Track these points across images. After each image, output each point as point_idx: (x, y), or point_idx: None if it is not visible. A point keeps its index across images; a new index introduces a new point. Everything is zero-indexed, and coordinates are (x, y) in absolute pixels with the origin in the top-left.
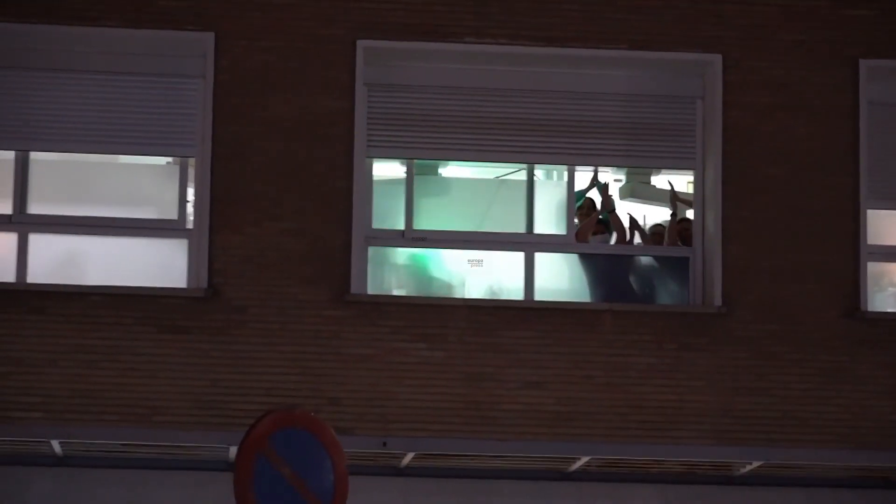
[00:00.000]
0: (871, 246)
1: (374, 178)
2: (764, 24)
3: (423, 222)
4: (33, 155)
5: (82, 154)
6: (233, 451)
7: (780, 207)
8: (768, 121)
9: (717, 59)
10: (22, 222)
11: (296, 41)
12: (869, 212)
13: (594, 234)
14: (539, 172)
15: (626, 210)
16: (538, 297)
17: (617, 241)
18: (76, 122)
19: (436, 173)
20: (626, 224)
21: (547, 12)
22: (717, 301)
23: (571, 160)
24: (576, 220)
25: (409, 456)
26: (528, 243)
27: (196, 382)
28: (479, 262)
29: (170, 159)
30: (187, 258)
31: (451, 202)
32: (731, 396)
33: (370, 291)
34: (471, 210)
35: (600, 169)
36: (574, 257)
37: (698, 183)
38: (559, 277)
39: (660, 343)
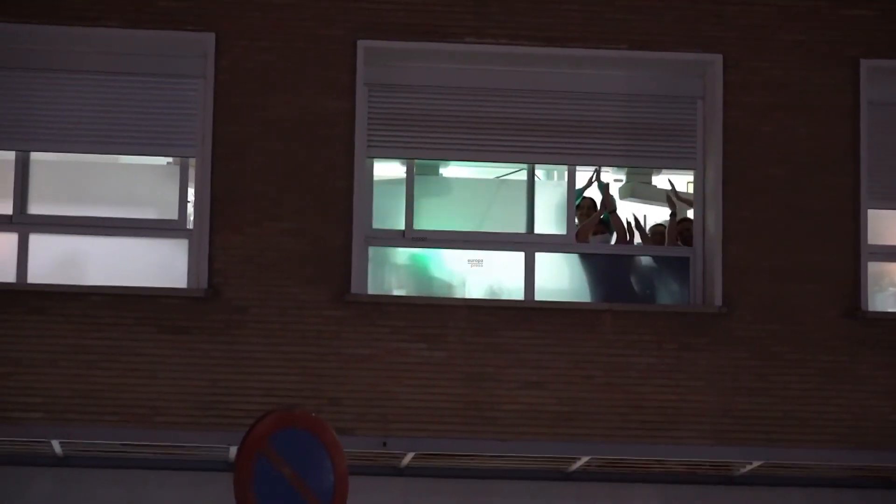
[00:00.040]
0: (872, 246)
1: (375, 178)
2: (764, 24)
3: (424, 222)
4: (34, 155)
5: (83, 154)
6: (233, 451)
7: (781, 207)
8: (769, 121)
9: (718, 59)
10: (22, 222)
11: (296, 41)
12: (869, 212)
13: (595, 234)
14: (539, 172)
15: (629, 211)
16: (538, 297)
17: (617, 241)
18: (77, 123)
19: (436, 173)
20: (628, 225)
21: (547, 12)
22: (718, 301)
23: (572, 160)
24: (576, 220)
25: (410, 456)
26: (529, 243)
27: (196, 382)
28: (479, 262)
29: (170, 159)
30: (187, 258)
31: (451, 202)
32: (732, 396)
33: (370, 291)
34: (471, 210)
35: (601, 169)
36: (574, 257)
37: (699, 183)
38: (559, 277)
39: (660, 343)
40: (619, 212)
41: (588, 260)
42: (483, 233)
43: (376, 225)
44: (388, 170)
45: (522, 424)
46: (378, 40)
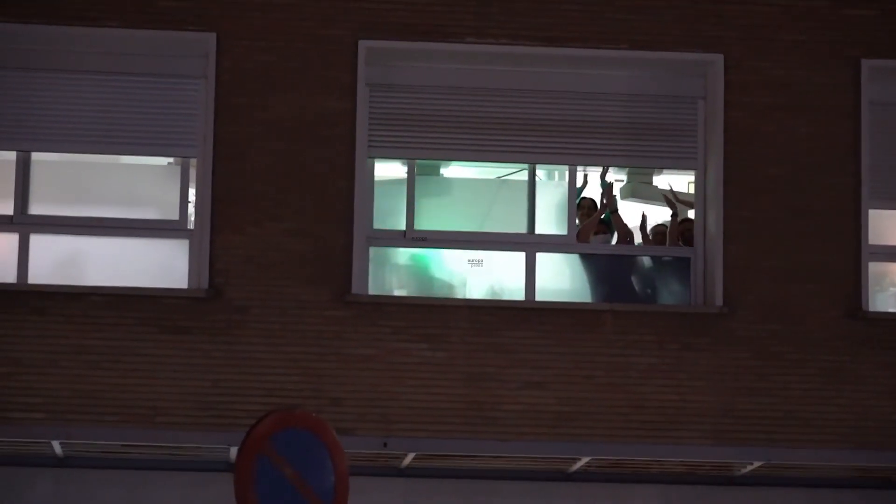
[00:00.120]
0: (873, 246)
1: (376, 178)
2: (765, 24)
3: (425, 222)
4: (35, 155)
5: (84, 155)
6: (234, 451)
7: (782, 207)
8: (770, 121)
9: (719, 59)
10: (23, 223)
11: (297, 41)
12: (870, 212)
13: (596, 234)
14: (540, 172)
15: (637, 212)
16: (539, 297)
17: (618, 242)
18: (77, 123)
19: (437, 173)
20: (631, 226)
21: (548, 12)
22: (719, 301)
23: (573, 160)
24: (576, 221)
25: (410, 456)
26: (530, 243)
27: (197, 383)
28: (479, 262)
29: (171, 160)
30: (188, 258)
31: (452, 202)
32: (733, 396)
33: (371, 292)
34: (472, 210)
35: (601, 169)
36: (575, 257)
37: (700, 183)
38: (560, 277)
39: (661, 343)
40: (620, 212)
41: (589, 260)
42: (484, 233)
43: (377, 225)
44: (389, 170)
45: (523, 425)
46: (379, 40)
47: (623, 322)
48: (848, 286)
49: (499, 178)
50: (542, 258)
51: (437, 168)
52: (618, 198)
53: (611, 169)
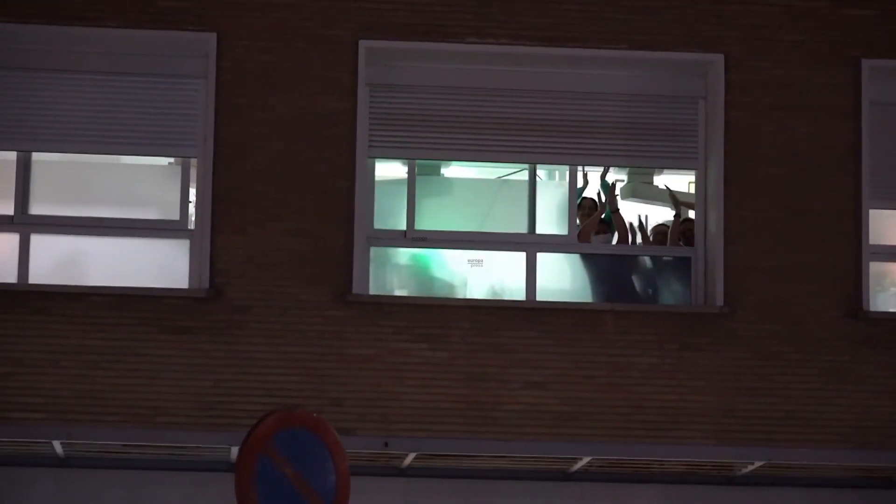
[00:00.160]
0: (873, 246)
1: (376, 178)
2: (766, 24)
3: (425, 222)
4: (35, 156)
5: (84, 155)
6: (234, 451)
7: (782, 207)
8: (770, 121)
9: (719, 59)
10: (24, 223)
11: (297, 41)
12: (871, 212)
13: (596, 233)
14: (541, 172)
15: (633, 213)
16: (540, 297)
17: (619, 241)
18: (78, 123)
19: (438, 173)
20: (636, 225)
21: (548, 12)
22: (719, 301)
23: (573, 160)
24: (577, 221)
25: (411, 456)
26: (530, 243)
27: (198, 383)
28: (479, 262)
29: (171, 160)
30: (189, 258)
31: (453, 202)
32: (733, 396)
33: (372, 292)
34: (473, 210)
35: (601, 169)
36: (576, 257)
37: (700, 183)
38: (561, 277)
39: (662, 343)
40: (621, 212)
41: (590, 260)
42: (485, 233)
43: (378, 225)
44: (389, 170)
45: (524, 425)
46: (379, 40)
47: (624, 322)
48: (848, 286)
49: (499, 178)
50: (542, 258)
51: (438, 168)
52: (618, 198)
53: (611, 169)
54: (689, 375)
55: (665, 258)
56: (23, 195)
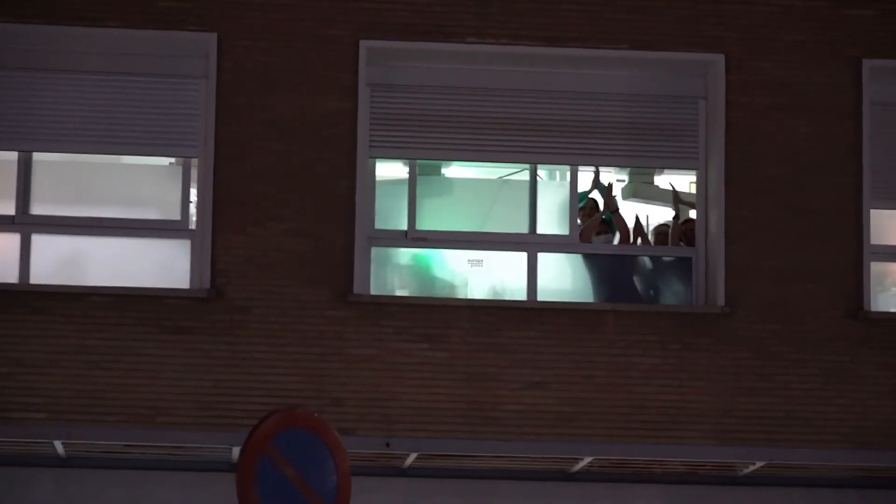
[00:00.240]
0: (874, 246)
1: (377, 178)
2: (766, 24)
3: (426, 223)
4: (36, 156)
5: (85, 155)
6: (235, 451)
7: (783, 207)
8: (771, 121)
9: (720, 59)
10: (25, 223)
11: (298, 42)
12: (872, 212)
13: (597, 234)
14: (542, 172)
15: (631, 212)
16: (541, 297)
17: (620, 242)
18: (79, 123)
19: (438, 173)
20: (632, 226)
21: (548, 12)
22: (720, 301)
23: (574, 160)
24: (578, 221)
25: (412, 456)
26: (531, 243)
27: (198, 383)
28: (479, 261)
29: (172, 160)
30: (190, 259)
31: (453, 202)
32: (734, 396)
33: (373, 292)
34: (474, 210)
35: (602, 169)
36: (577, 257)
37: (701, 183)
38: (562, 278)
39: (663, 343)
40: (621, 212)
41: (591, 260)
42: (485, 233)
43: (379, 225)
44: (390, 170)
45: (525, 425)
46: (380, 40)
47: (624, 322)
48: (849, 286)
49: (500, 178)
50: (543, 258)
51: (439, 168)
52: (619, 198)
53: (612, 169)
54: (689, 375)
55: (666, 258)
56: (24, 195)
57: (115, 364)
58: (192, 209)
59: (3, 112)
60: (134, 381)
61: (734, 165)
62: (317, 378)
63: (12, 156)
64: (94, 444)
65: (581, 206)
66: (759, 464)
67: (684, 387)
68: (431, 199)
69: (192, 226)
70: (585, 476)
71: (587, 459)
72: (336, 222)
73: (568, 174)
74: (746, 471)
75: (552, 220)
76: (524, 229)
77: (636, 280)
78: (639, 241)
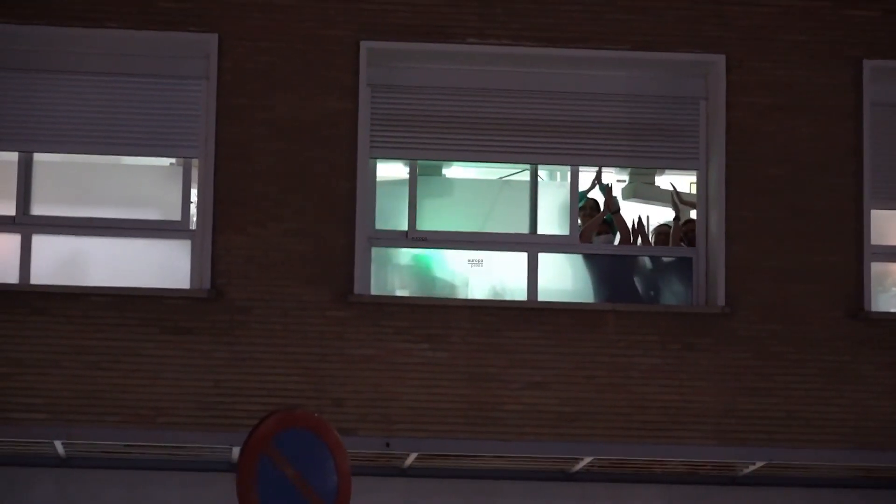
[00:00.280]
0: (875, 246)
1: (378, 178)
2: (766, 25)
3: (427, 223)
4: (37, 156)
5: (86, 155)
6: (235, 451)
7: (784, 208)
8: (771, 121)
9: (721, 59)
10: (25, 223)
11: (299, 42)
12: (872, 212)
13: (598, 234)
14: (542, 173)
15: (634, 214)
16: (541, 297)
17: (621, 242)
18: (79, 124)
19: (439, 174)
20: (632, 226)
21: (549, 13)
22: (721, 301)
23: (575, 161)
24: (578, 221)
25: (412, 456)
26: (532, 244)
27: (199, 383)
28: (479, 261)
29: (173, 160)
30: (190, 259)
31: (454, 203)
32: (735, 396)
33: (373, 292)
34: (474, 210)
35: (603, 169)
36: (577, 258)
37: (701, 183)
38: (562, 278)
39: (663, 343)
40: (622, 212)
41: (591, 260)
42: (486, 233)
43: (379, 225)
44: (390, 170)
45: (525, 425)
46: (381, 41)
47: (625, 322)
48: (849, 286)
49: (501, 178)
50: (544, 258)
51: (439, 168)
52: (619, 198)
53: (613, 169)
54: (690, 376)
55: (666, 258)
56: (24, 196)
57: (115, 364)
58: (193, 209)
59: (4, 113)
60: (134, 382)
61: (735, 166)
62: (317, 378)
63: (13, 156)
64: (94, 444)
65: (581, 205)
66: (759, 464)
67: (685, 387)
68: (432, 199)
69: (193, 226)
70: (586, 476)
71: (587, 459)
72: (336, 222)
73: (568, 174)
74: (747, 471)
75: (553, 220)
76: (525, 230)
77: (637, 280)
78: (639, 241)
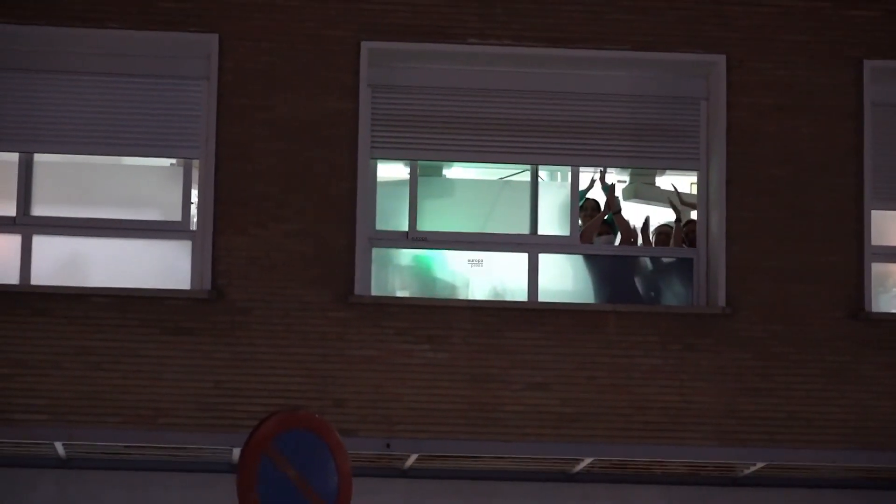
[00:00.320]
0: (876, 247)
1: (378, 179)
2: (767, 25)
3: (427, 223)
4: (37, 157)
5: (86, 156)
6: (236, 452)
7: (784, 208)
8: (772, 121)
9: (721, 59)
10: (26, 224)
11: (299, 42)
12: (873, 212)
13: (599, 234)
14: (543, 173)
15: (636, 214)
16: (542, 298)
17: (621, 242)
18: (80, 124)
19: (440, 174)
20: (639, 227)
21: (550, 13)
22: (721, 302)
23: (575, 161)
24: (579, 222)
25: (413, 457)
26: (532, 244)
27: (200, 384)
28: (479, 261)
29: (173, 161)
30: (191, 260)
31: (454, 203)
32: (735, 397)
33: (374, 293)
34: (475, 211)
35: (599, 172)
36: (578, 258)
37: (702, 184)
38: (563, 278)
39: (664, 344)
40: (623, 213)
41: (592, 261)
42: (487, 234)
43: (380, 226)
44: (391, 171)
45: (526, 426)
46: (381, 41)
47: (626, 323)
48: (850, 287)
49: (501, 178)
50: (544, 259)
51: (440, 169)
52: (620, 199)
53: (613, 170)
54: (690, 376)
55: (667, 259)
56: (25, 196)
57: (116, 365)
58: (194, 210)
59: (5, 113)
60: (135, 383)
61: (735, 166)
62: (318, 379)
63: (13, 157)
64: (94, 445)
65: (581, 206)
66: (760, 464)
67: (685, 387)
68: (432, 199)
69: (194, 227)
70: (586, 477)
71: (588, 460)
72: (337, 223)
73: (569, 175)
74: (747, 471)
75: (553, 221)
76: (525, 230)
77: (637, 281)
78: (640, 241)
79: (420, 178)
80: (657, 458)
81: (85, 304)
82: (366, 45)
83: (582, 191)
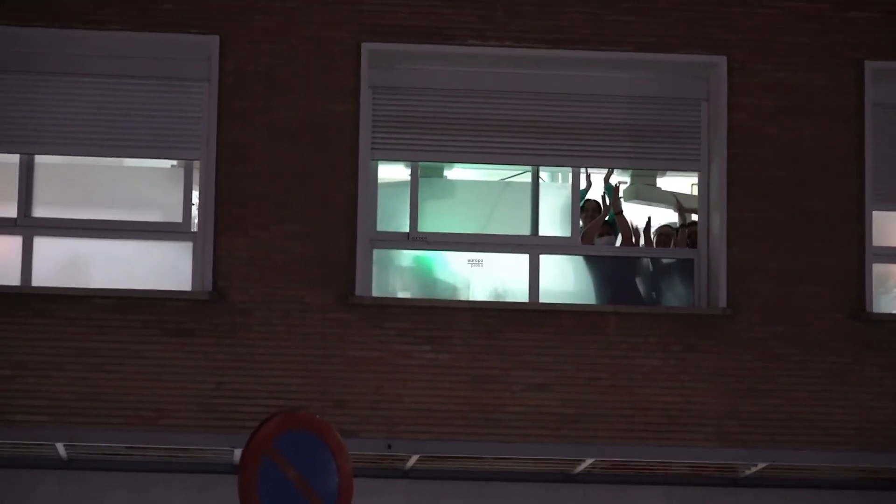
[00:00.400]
0: (877, 248)
1: (379, 180)
2: (768, 27)
3: (428, 225)
4: (38, 158)
5: (87, 157)
6: (237, 453)
7: (785, 209)
8: (773, 123)
9: (722, 61)
10: (27, 225)
11: (300, 44)
12: (874, 213)
13: (600, 235)
14: (544, 174)
15: (638, 215)
16: (543, 299)
17: (622, 243)
18: (81, 126)
19: (441, 175)
20: (642, 227)
21: (551, 15)
22: (722, 303)
23: (576, 162)
24: (580, 223)
25: (414, 458)
26: (533, 245)
27: (201, 385)
28: (479, 262)
29: (174, 162)
30: (192, 261)
31: (455, 204)
32: (737, 398)
33: (375, 294)
34: (475, 212)
35: (605, 171)
36: (579, 259)
37: (703, 185)
38: (564, 279)
39: (665, 345)
40: (624, 214)
41: (593, 262)
42: (487, 235)
43: (381, 227)
44: (392, 172)
45: (527, 426)
46: (382, 43)
47: (627, 324)
48: (851, 288)
49: (502, 179)
50: (545, 260)
51: (441, 170)
52: (622, 200)
53: (615, 171)
54: (691, 377)
55: (668, 260)
56: (26, 198)
57: (117, 366)
58: (195, 211)
59: (6, 115)
60: (136, 384)
61: (736, 167)
62: (319, 380)
63: (14, 158)
64: (96, 446)
65: (582, 206)
66: (761, 465)
67: (686, 388)
68: (433, 201)
69: (195, 228)
70: (588, 478)
71: (589, 461)
72: (338, 224)
73: (570, 176)
74: (749, 472)
75: (554, 221)
76: (526, 231)
77: (638, 282)
78: (641, 241)
79: (421, 180)
80: (658, 459)
81: (86, 306)
82: (366, 47)
83: (582, 191)
